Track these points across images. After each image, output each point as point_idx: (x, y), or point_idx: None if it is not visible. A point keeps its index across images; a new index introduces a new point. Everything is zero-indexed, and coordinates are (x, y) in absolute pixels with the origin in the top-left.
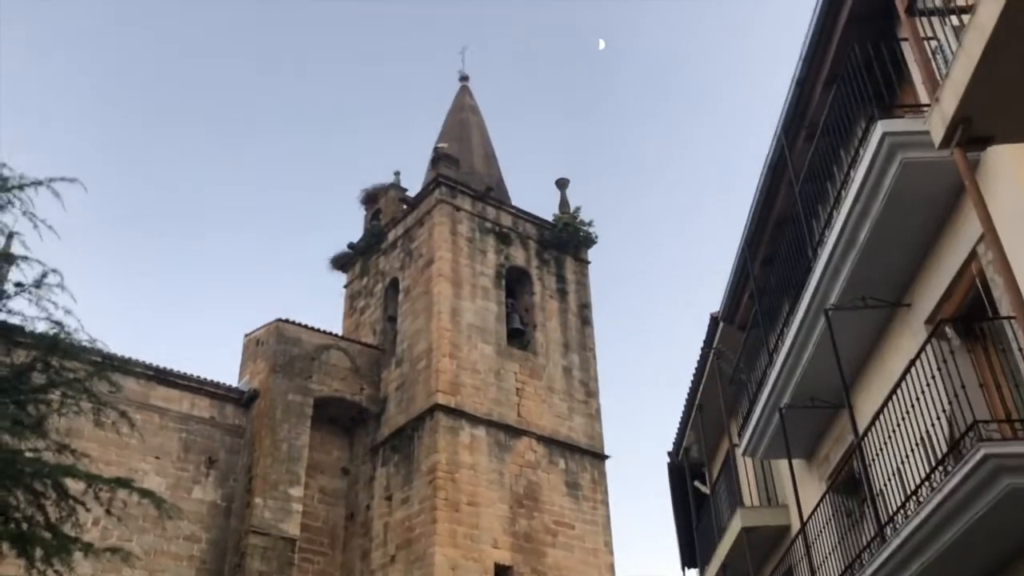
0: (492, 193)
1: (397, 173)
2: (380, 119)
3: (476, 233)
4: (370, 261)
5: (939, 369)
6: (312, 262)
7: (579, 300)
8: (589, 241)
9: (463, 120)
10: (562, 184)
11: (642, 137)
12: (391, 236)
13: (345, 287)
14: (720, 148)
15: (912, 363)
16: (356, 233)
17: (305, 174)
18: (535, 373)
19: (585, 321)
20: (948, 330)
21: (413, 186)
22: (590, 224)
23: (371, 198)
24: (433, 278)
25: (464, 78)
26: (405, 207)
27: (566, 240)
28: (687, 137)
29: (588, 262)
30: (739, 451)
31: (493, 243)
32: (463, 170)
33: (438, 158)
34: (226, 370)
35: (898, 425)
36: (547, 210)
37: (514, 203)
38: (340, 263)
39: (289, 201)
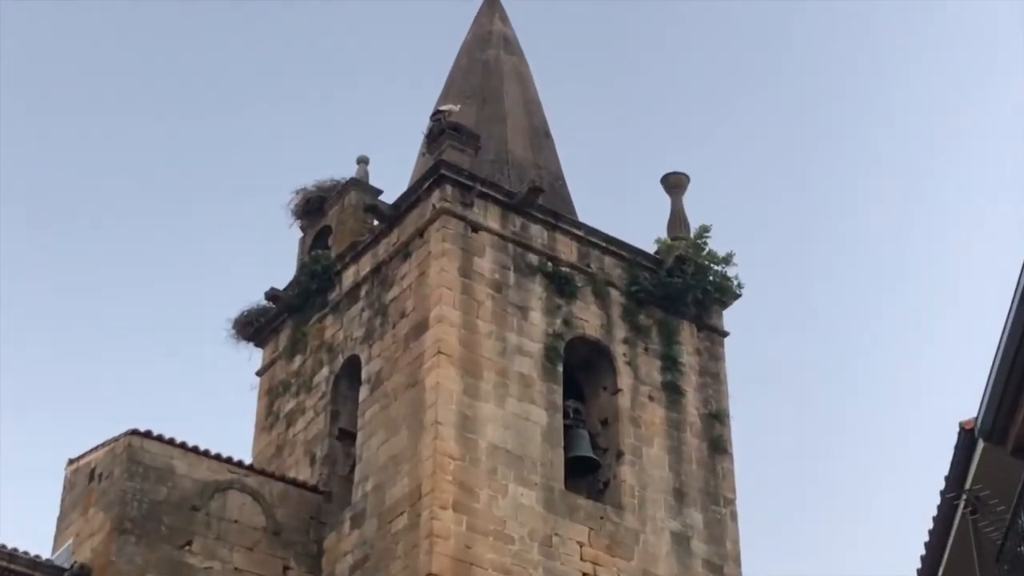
0: (542, 199)
1: (362, 161)
2: (330, 59)
3: (510, 273)
4: (307, 326)
5: None
6: (199, 327)
7: (706, 405)
8: (727, 293)
9: (489, 62)
10: (676, 184)
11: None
12: (348, 278)
13: (259, 374)
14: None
15: None
16: (283, 272)
17: (185, 162)
18: (617, 545)
19: (718, 446)
20: None
21: (391, 185)
22: (728, 260)
23: (311, 208)
24: (426, 357)
25: None
26: (375, 224)
27: (681, 290)
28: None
29: (724, 333)
30: None
31: (542, 292)
32: (488, 156)
33: (440, 131)
34: (39, 526)
35: None
36: (645, 231)
37: (583, 217)
38: (250, 329)
39: (156, 214)
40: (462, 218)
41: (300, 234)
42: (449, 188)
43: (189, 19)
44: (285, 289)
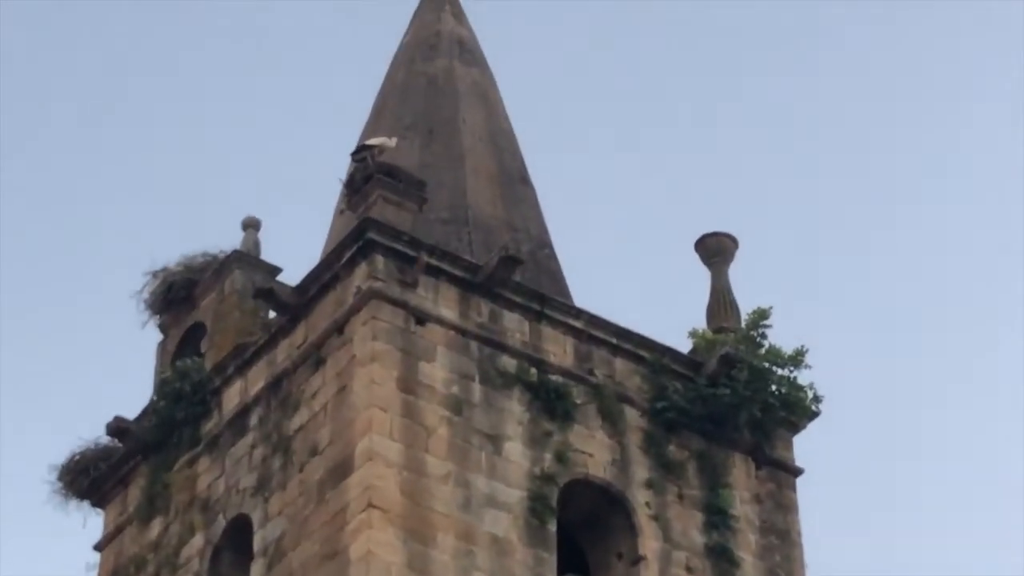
0: (520, 275)
1: (250, 226)
2: (196, 73)
3: (475, 385)
4: (171, 473)
5: None
6: (7, 480)
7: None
8: (798, 409)
9: (437, 77)
10: (718, 250)
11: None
12: (231, 399)
13: (99, 548)
14: None
15: None
16: (133, 394)
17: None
18: None
19: None
20: None
21: (293, 259)
22: (800, 360)
23: (175, 297)
24: (351, 514)
25: None
26: (270, 317)
27: (730, 407)
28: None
29: (796, 470)
30: None
31: (523, 413)
32: (439, 213)
33: (366, 176)
34: None
35: None
36: (674, 319)
37: (581, 300)
38: (85, 481)
39: None
40: (401, 304)
41: (159, 336)
42: (381, 260)
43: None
44: (137, 419)
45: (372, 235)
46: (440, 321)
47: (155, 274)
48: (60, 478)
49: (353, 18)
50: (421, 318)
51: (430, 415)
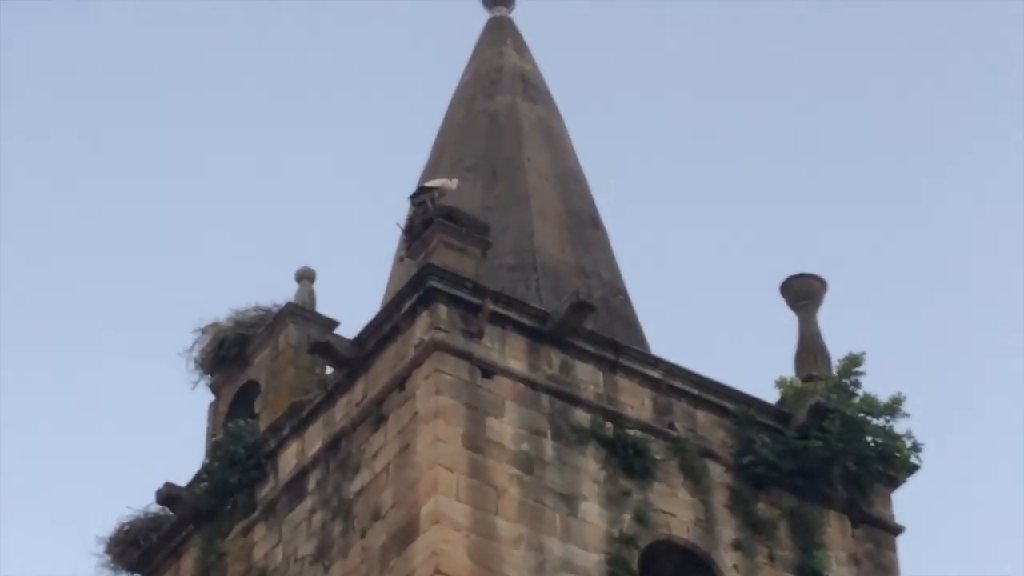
0: (592, 322)
1: (305, 277)
2: (249, 114)
3: (547, 442)
4: (225, 541)
5: None
6: (55, 551)
7: None
8: (896, 463)
9: (499, 115)
10: (806, 292)
11: None
12: (287, 461)
13: None
14: None
15: None
16: (184, 458)
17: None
18: None
19: None
20: None
21: (350, 311)
22: (896, 408)
23: (226, 354)
24: None
25: None
26: (327, 373)
27: (823, 461)
28: None
29: (896, 528)
30: None
31: (599, 471)
32: (504, 258)
33: (426, 221)
34: None
35: None
36: (759, 368)
37: (658, 348)
38: (134, 553)
39: None
40: (466, 356)
41: (211, 396)
42: (443, 309)
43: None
44: (189, 485)
45: (433, 283)
46: (508, 373)
47: (205, 331)
48: (108, 550)
49: (411, 56)
50: (488, 370)
51: (499, 474)
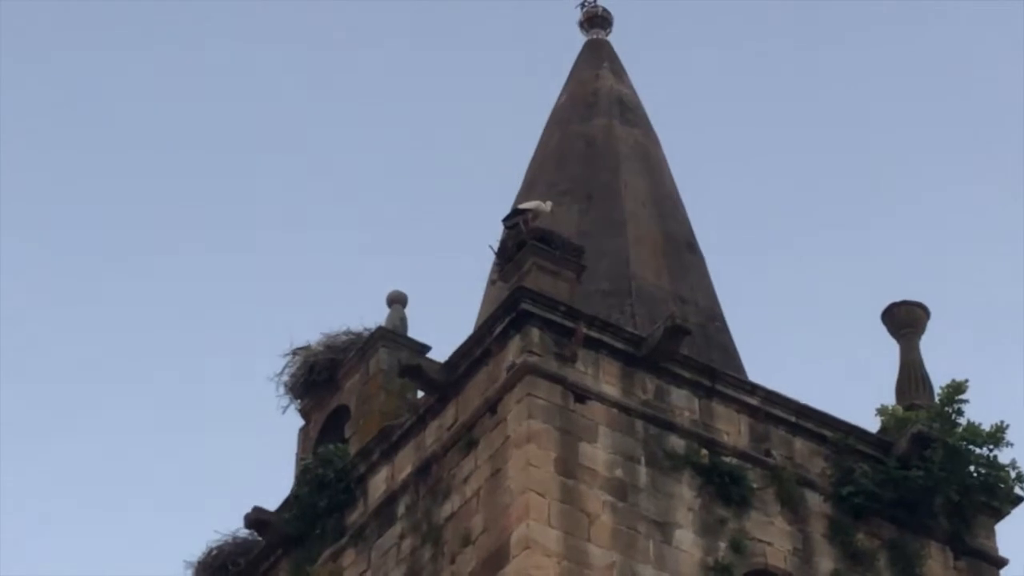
0: (688, 348)
1: (397, 301)
2: (339, 132)
3: (641, 468)
4: (315, 566)
5: None
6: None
7: None
8: (1001, 493)
9: (595, 138)
10: (908, 320)
11: None
12: (377, 486)
13: None
14: None
15: None
16: (272, 483)
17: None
18: None
19: None
20: None
21: (442, 335)
22: (1000, 437)
23: (317, 378)
24: None
25: (596, 19)
26: (418, 396)
27: (924, 491)
28: None
29: (1000, 561)
30: None
31: (694, 498)
32: (599, 283)
33: (520, 243)
34: None
35: None
36: (859, 396)
37: (755, 375)
38: None
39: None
40: (559, 380)
41: (301, 421)
42: (536, 332)
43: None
44: (278, 510)
45: (526, 306)
46: (601, 398)
47: (295, 354)
48: (197, 575)
49: (507, 78)
50: (581, 395)
51: (592, 500)
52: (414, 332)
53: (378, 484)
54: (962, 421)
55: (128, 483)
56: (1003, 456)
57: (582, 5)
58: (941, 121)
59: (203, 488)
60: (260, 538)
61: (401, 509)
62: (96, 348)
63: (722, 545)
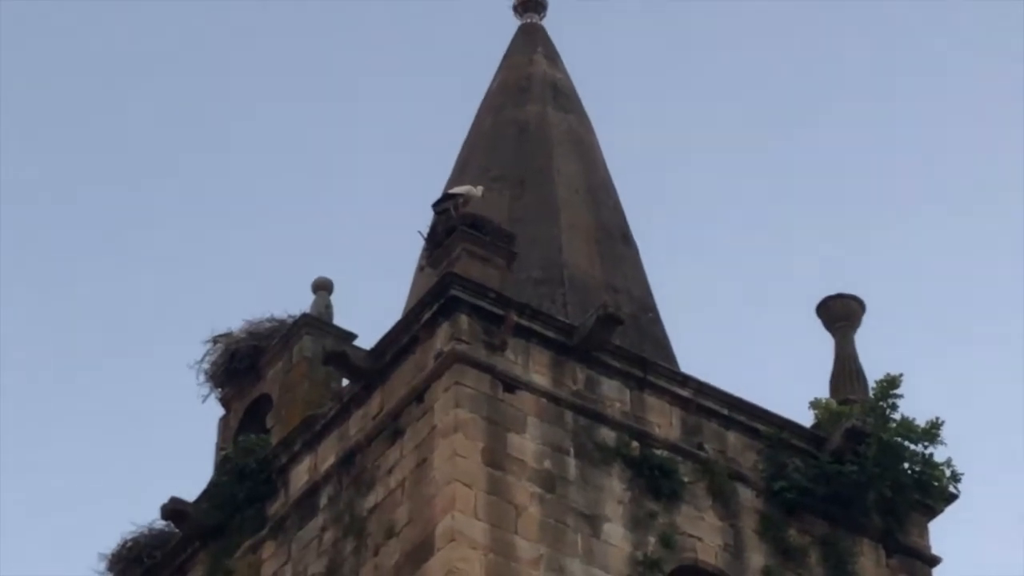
0: (620, 339)
1: (322, 288)
2: (258, 115)
3: (570, 460)
4: (233, 558)
5: None
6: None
7: None
8: (934, 491)
9: (528, 124)
10: (843, 314)
11: None
12: (299, 477)
13: None
14: None
15: None
16: (191, 473)
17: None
18: None
19: None
20: None
21: (368, 323)
22: (934, 434)
23: (238, 366)
24: None
25: (530, 3)
26: (343, 385)
27: (857, 487)
28: None
29: (933, 559)
30: None
31: (624, 491)
32: (531, 271)
33: (449, 228)
34: None
35: None
36: (793, 389)
37: (688, 367)
38: (138, 570)
39: None
40: (488, 369)
41: (221, 410)
42: (465, 320)
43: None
44: (196, 501)
45: (455, 292)
46: (531, 388)
47: (217, 342)
48: (111, 567)
49: (438, 62)
50: (510, 384)
51: (520, 492)
52: (340, 320)
53: (300, 475)
54: (896, 416)
55: (42, 472)
56: (938, 454)
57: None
58: (879, 111)
59: (119, 478)
60: (177, 530)
61: (323, 500)
62: (9, 331)
63: (652, 540)
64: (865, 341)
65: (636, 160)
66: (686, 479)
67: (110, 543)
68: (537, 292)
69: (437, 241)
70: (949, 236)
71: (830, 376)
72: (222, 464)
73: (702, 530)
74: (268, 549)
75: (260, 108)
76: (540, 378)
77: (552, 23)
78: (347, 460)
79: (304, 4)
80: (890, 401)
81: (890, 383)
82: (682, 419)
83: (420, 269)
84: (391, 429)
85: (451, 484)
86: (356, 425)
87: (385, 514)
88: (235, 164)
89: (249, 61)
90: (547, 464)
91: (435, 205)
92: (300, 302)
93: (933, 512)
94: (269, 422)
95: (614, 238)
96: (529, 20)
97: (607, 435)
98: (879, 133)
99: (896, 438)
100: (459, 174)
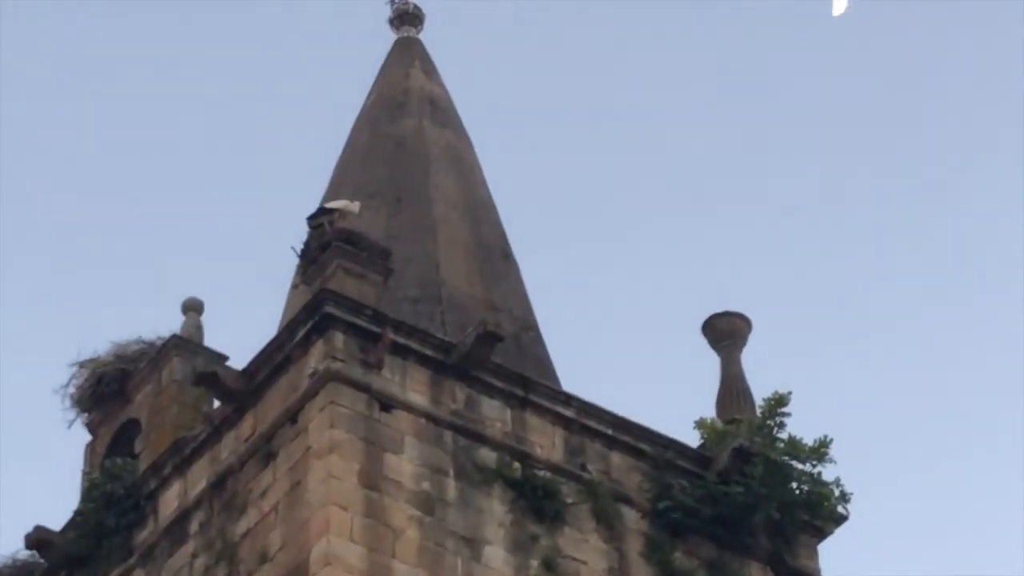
0: (501, 356)
1: (192, 308)
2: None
3: (450, 482)
4: None
5: None
6: None
7: None
8: (822, 512)
9: (406, 139)
10: (729, 331)
11: None
12: (168, 502)
13: None
14: None
15: None
16: (57, 500)
17: None
18: None
19: None
20: None
21: (240, 343)
22: (823, 452)
23: (105, 390)
24: None
25: (406, 17)
26: (214, 407)
27: (744, 507)
28: None
29: None
30: None
31: (505, 514)
32: (408, 290)
33: (324, 244)
34: None
35: None
36: (678, 408)
37: (570, 386)
38: None
39: None
40: (364, 388)
41: (88, 436)
42: (340, 337)
43: None
44: (62, 529)
45: (330, 309)
46: (408, 407)
47: (83, 365)
48: None
49: (313, 76)
50: (386, 404)
51: (397, 515)
52: (211, 341)
53: (170, 500)
54: (784, 435)
55: None
56: (826, 473)
57: (392, 2)
58: (760, 123)
59: None
60: (42, 560)
61: (194, 526)
62: None
63: (534, 563)
64: (752, 359)
65: (516, 176)
66: (569, 501)
67: None
68: (415, 310)
69: (311, 257)
70: (837, 252)
71: (716, 395)
72: (89, 491)
73: (586, 553)
74: None
75: (126, 116)
76: (418, 397)
77: (429, 37)
78: (218, 484)
79: (169, 12)
80: (778, 420)
81: (778, 401)
82: (565, 439)
83: (294, 287)
84: (264, 451)
85: (326, 507)
86: (228, 448)
87: (258, 539)
88: (99, 177)
89: (122, 63)
90: (426, 486)
91: (310, 219)
92: (170, 323)
93: (822, 533)
94: (138, 447)
95: (494, 255)
96: (406, 34)
97: (488, 456)
98: (767, 149)
99: (784, 457)
100: (335, 190)
